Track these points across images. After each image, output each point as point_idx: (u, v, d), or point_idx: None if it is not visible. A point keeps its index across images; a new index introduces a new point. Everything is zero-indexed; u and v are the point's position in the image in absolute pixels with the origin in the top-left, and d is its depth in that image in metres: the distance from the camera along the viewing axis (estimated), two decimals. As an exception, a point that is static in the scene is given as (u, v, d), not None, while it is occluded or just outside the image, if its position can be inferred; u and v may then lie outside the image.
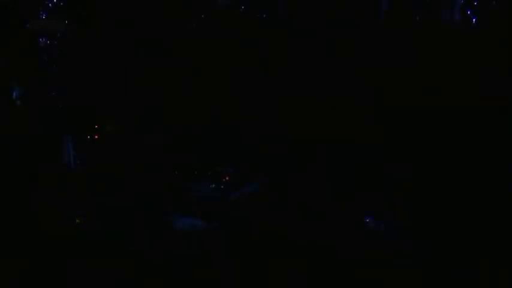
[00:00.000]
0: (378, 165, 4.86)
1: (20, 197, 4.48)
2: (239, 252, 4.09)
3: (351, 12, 5.16)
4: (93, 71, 5.07)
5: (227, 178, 5.01)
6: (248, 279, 3.96)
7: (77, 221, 4.40)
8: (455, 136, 4.83)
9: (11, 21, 4.59)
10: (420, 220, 4.39)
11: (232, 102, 5.31)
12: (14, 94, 4.53)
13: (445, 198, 4.53)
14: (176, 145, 5.12)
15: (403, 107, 5.11)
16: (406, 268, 4.01)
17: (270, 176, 4.87)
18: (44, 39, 4.66)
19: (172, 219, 4.47)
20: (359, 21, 5.16)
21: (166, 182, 4.90)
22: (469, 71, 4.89)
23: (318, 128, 5.14)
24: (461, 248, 4.12)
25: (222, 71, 5.31)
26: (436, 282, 3.92)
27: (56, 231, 4.33)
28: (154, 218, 4.31)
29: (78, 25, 4.86)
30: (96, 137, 4.79)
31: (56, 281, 3.97)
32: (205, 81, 5.31)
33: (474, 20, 4.92)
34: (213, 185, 4.97)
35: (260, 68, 5.27)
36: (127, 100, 4.82)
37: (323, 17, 5.20)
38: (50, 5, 4.66)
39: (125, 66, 5.14)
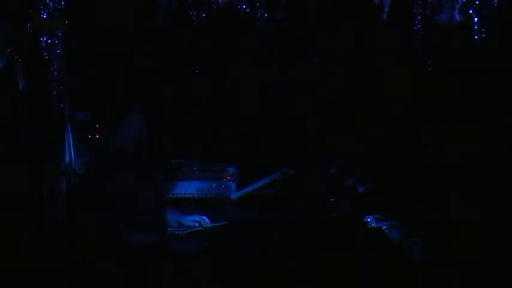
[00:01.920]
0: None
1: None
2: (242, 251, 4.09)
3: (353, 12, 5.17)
4: (93, 70, 5.09)
5: (228, 177, 4.99)
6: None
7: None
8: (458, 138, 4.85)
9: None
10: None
11: (232, 100, 5.33)
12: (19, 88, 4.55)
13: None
14: (176, 143, 5.12)
15: (403, 107, 5.14)
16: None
17: (272, 176, 4.87)
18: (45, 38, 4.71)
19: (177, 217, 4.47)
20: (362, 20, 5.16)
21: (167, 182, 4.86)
22: (469, 72, 4.91)
23: (319, 127, 5.17)
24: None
25: (222, 69, 5.35)
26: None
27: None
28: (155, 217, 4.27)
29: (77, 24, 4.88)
30: (97, 136, 4.83)
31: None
32: (206, 79, 5.34)
33: (476, 19, 4.87)
34: (214, 185, 4.95)
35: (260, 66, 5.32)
36: (127, 99, 4.69)
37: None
38: (51, 4, 4.67)
39: (125, 65, 5.16)
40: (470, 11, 4.81)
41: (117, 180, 4.05)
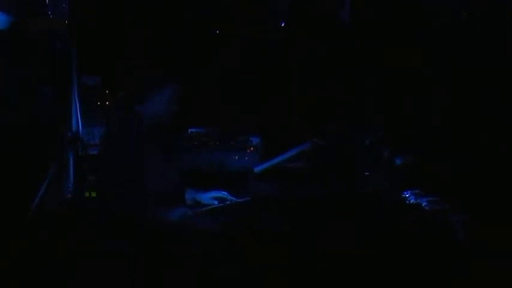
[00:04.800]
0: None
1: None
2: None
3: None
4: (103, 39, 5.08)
5: (251, 149, 4.96)
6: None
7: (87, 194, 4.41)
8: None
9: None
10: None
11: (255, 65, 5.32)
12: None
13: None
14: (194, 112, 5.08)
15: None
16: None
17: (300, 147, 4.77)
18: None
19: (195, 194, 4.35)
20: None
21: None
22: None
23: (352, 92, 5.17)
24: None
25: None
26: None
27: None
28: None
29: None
30: (107, 103, 4.82)
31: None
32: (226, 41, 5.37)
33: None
34: (236, 157, 4.93)
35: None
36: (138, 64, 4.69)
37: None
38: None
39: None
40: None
41: (142, 155, 3.95)
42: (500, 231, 4.03)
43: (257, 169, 4.79)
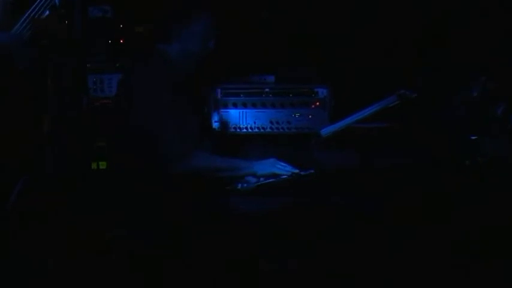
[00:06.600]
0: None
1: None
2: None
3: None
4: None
5: (317, 104, 4.54)
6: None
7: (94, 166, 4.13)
8: None
9: None
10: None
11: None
12: None
13: None
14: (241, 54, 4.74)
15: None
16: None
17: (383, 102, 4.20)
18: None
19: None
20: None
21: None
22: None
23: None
24: None
25: None
26: None
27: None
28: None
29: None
30: (121, 41, 4.58)
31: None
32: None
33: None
34: (296, 115, 4.55)
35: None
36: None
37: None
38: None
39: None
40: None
41: (168, 109, 3.72)
42: None
43: (324, 131, 4.21)
